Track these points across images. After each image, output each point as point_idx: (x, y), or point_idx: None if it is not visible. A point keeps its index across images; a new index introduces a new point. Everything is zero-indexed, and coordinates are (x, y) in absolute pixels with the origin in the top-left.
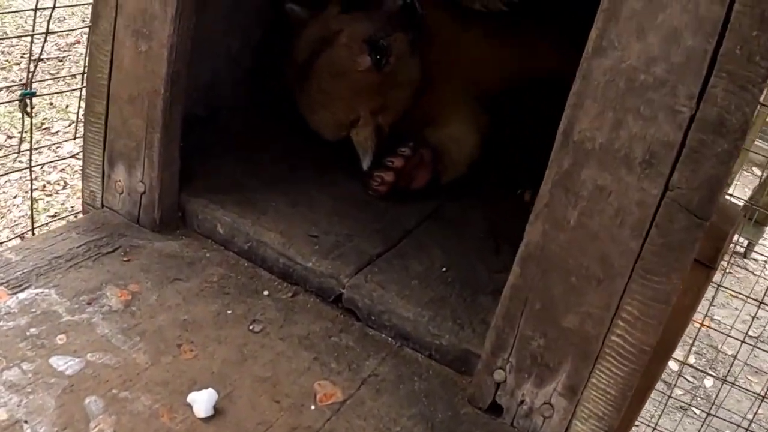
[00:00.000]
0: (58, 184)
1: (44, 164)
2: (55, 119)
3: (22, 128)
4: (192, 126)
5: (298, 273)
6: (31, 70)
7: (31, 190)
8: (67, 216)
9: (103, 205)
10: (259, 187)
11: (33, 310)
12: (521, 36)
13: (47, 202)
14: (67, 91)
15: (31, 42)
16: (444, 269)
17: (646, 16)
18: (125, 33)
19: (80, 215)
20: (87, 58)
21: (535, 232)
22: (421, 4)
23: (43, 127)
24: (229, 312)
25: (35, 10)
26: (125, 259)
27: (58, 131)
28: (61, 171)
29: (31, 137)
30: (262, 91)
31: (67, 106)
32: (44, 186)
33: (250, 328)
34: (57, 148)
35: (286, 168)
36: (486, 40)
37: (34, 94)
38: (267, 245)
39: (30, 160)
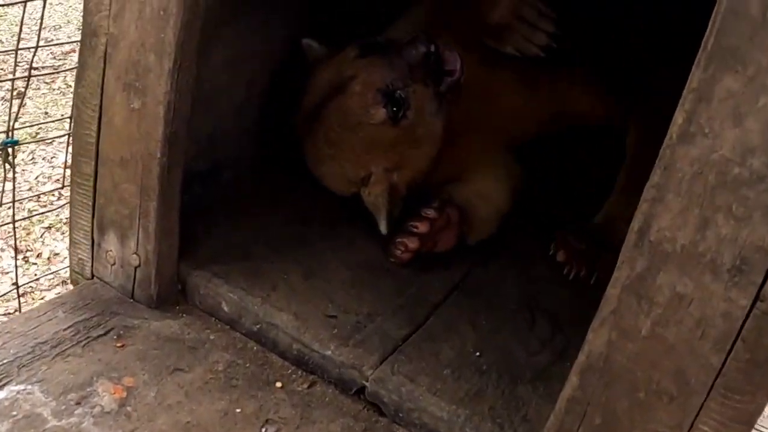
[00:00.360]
0: (53, 195)
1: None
2: (50, 129)
3: (4, 178)
4: (191, 183)
5: (314, 361)
6: (14, 110)
7: (16, 251)
8: (60, 227)
9: (93, 275)
10: (268, 255)
11: (14, 413)
12: (555, 80)
13: (42, 213)
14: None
15: (12, 86)
16: (477, 353)
17: (745, 99)
18: (115, 87)
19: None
20: (73, 111)
21: (599, 341)
22: (463, 66)
23: (38, 136)
24: (237, 410)
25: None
26: (118, 344)
27: (53, 141)
28: (56, 182)
29: (14, 186)
30: (270, 143)
31: (63, 115)
32: (39, 197)
33: (263, 431)
34: (52, 158)
35: (298, 230)
36: (516, 85)
37: (16, 143)
38: (279, 328)
39: (13, 214)
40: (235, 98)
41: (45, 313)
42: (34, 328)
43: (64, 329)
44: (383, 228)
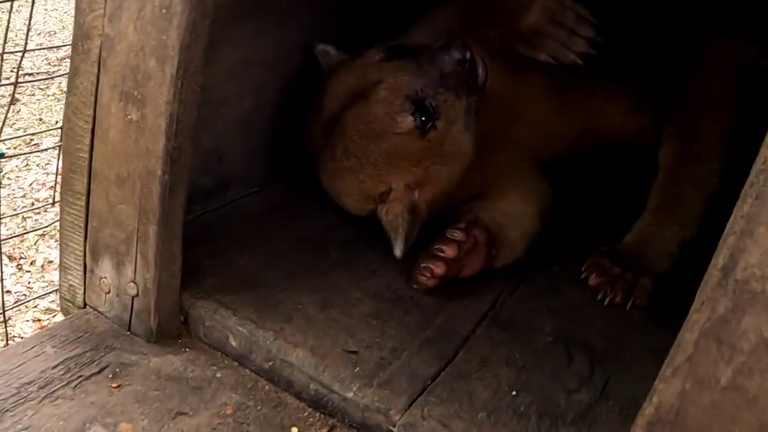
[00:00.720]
0: (48, 201)
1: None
2: (44, 135)
3: None
4: (194, 202)
5: (334, 404)
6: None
7: (1, 275)
8: (55, 234)
9: (85, 304)
10: (280, 282)
11: None
12: (585, 91)
13: (35, 220)
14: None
15: None
16: (514, 393)
17: None
18: (111, 96)
19: None
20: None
21: (671, 392)
22: (487, 70)
23: (33, 143)
24: None
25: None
26: (114, 385)
27: (48, 149)
28: (50, 188)
29: None
30: (282, 158)
31: (56, 122)
32: (33, 203)
33: None
34: (46, 165)
35: (313, 254)
36: (544, 96)
37: (2, 156)
38: (294, 366)
39: None
40: (243, 108)
41: (32, 348)
42: (20, 365)
43: (53, 367)
44: (398, 251)
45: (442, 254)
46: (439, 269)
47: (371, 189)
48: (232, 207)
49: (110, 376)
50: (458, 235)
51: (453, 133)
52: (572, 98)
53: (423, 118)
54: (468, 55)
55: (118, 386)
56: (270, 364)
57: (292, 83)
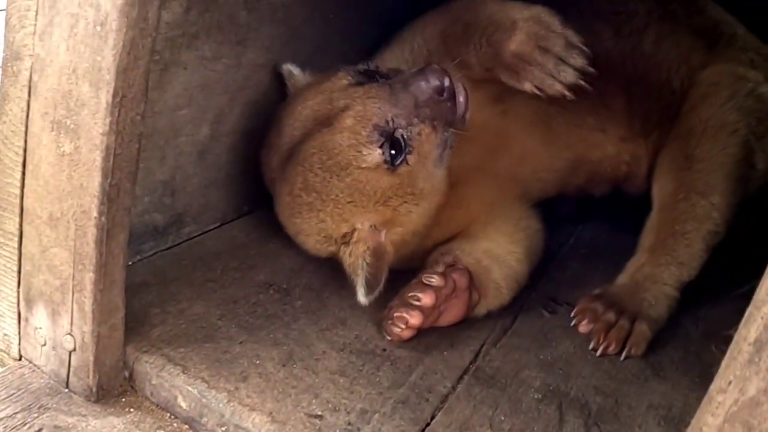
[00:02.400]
0: None
1: None
2: None
3: None
4: (145, 240)
5: None
6: None
7: None
8: None
9: (21, 356)
10: (237, 334)
11: None
12: (577, 121)
13: None
14: None
15: None
16: None
17: None
18: (42, 125)
19: None
20: None
21: None
22: (467, 99)
23: None
24: None
25: None
26: None
27: None
28: None
29: None
30: (243, 192)
31: None
32: None
33: None
34: None
35: (275, 301)
36: (533, 127)
37: None
38: None
39: None
40: (199, 137)
41: None
42: None
43: None
44: (362, 298)
45: (417, 302)
46: (414, 319)
47: (332, 229)
48: (188, 246)
49: None
50: (436, 280)
51: (426, 169)
52: (561, 128)
53: (393, 152)
54: (447, 82)
55: None
56: (223, 429)
57: (254, 109)
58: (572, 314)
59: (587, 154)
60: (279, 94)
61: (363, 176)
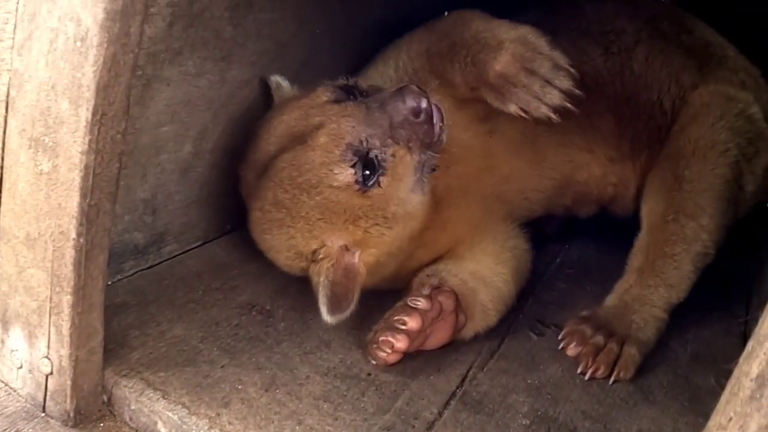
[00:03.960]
0: None
1: None
2: None
3: None
4: (125, 260)
5: None
6: None
7: None
8: None
9: None
10: (219, 358)
11: None
12: (564, 141)
13: None
14: None
15: None
16: None
17: None
18: (20, 142)
19: None
20: None
21: None
22: (443, 121)
23: None
24: None
25: None
26: None
27: None
28: None
29: None
30: (226, 210)
31: None
32: None
33: None
34: None
35: (258, 322)
36: (520, 147)
37: None
38: None
39: None
40: (182, 154)
41: None
42: None
43: None
44: (324, 315)
45: (403, 326)
46: (400, 343)
47: (302, 246)
48: (169, 265)
49: None
50: (422, 303)
51: (400, 192)
52: (548, 148)
53: (366, 172)
54: (424, 104)
55: None
56: None
57: (238, 125)
58: (560, 337)
59: (574, 174)
60: (264, 110)
61: (333, 195)
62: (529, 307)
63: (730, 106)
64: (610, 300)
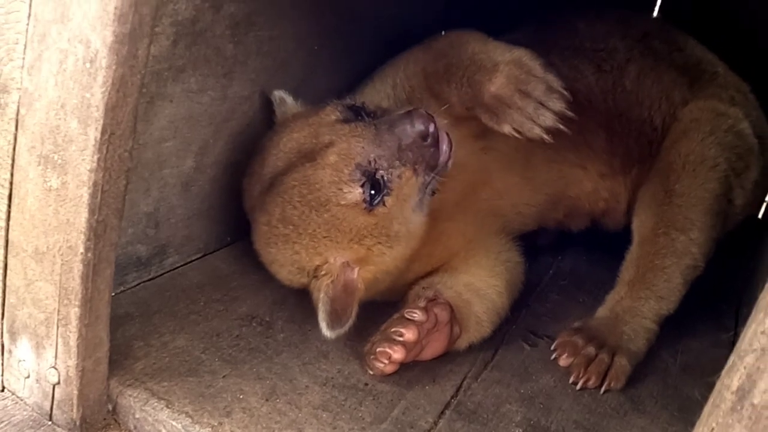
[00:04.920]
0: None
1: None
2: None
3: None
4: (128, 272)
5: None
6: None
7: None
8: None
9: (3, 388)
10: (221, 368)
11: None
12: (557, 158)
13: None
14: None
15: None
16: None
17: None
18: (29, 159)
19: None
20: None
21: None
22: (451, 147)
23: None
24: None
25: None
26: None
27: None
28: None
29: None
30: (227, 223)
31: None
32: None
33: None
34: None
35: (258, 333)
36: (514, 163)
37: None
38: None
39: None
40: (184, 168)
41: None
42: None
43: None
44: (324, 330)
45: (400, 338)
46: (397, 354)
47: (306, 261)
48: (171, 277)
49: None
50: (418, 315)
51: (404, 212)
52: (541, 164)
53: (372, 192)
54: (431, 128)
55: None
56: None
57: (239, 140)
58: (552, 347)
59: (566, 190)
60: (264, 125)
61: (341, 213)
62: (523, 319)
63: (720, 121)
64: (602, 311)
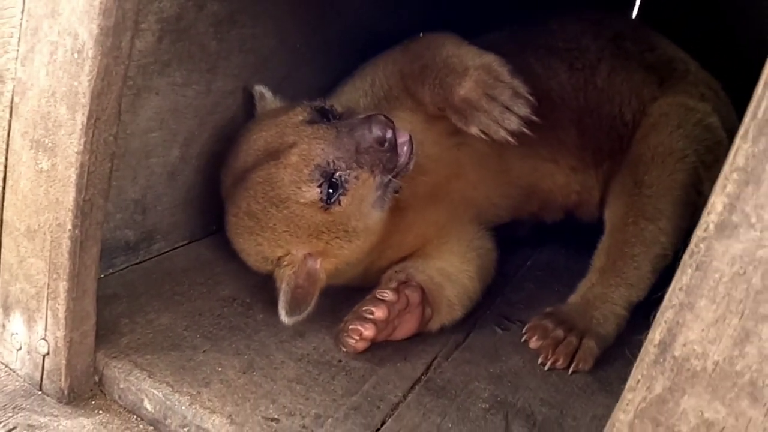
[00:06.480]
0: None
1: None
2: None
3: None
4: (117, 255)
5: None
6: None
7: None
8: None
9: None
10: (201, 343)
11: None
12: (530, 153)
13: None
14: None
15: None
16: None
17: None
18: (22, 143)
19: None
20: None
21: None
22: (412, 150)
23: None
24: None
25: None
26: None
27: None
28: None
29: None
30: (211, 212)
31: None
32: None
33: None
34: None
35: (239, 314)
36: (487, 158)
37: None
38: None
39: None
40: (170, 158)
41: None
42: None
43: None
44: (283, 316)
45: (371, 316)
46: (368, 331)
47: (268, 252)
48: (157, 261)
49: None
50: (388, 295)
51: (361, 210)
52: (514, 159)
53: (330, 191)
54: (389, 134)
55: None
56: (185, 430)
57: (223, 133)
58: (523, 330)
59: (539, 183)
60: (247, 118)
61: (299, 210)
62: (497, 305)
63: (689, 115)
64: (574, 298)
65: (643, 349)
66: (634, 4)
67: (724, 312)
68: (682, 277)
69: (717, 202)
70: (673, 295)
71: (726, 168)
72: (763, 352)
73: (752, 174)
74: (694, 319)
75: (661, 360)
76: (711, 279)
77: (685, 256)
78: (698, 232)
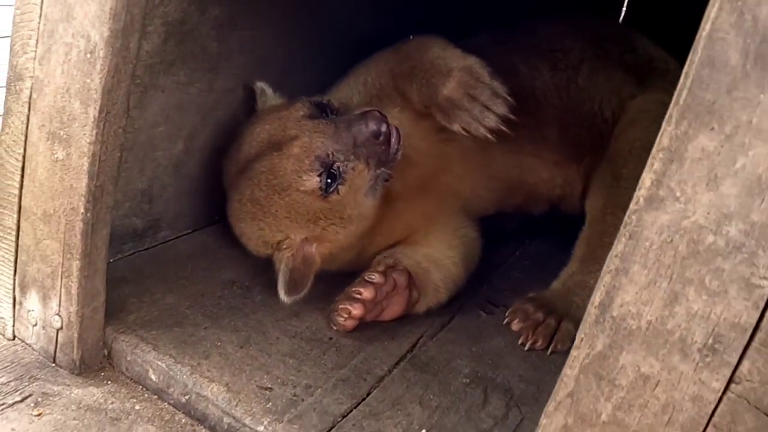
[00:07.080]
0: None
1: None
2: None
3: None
4: (126, 241)
5: None
6: None
7: None
8: None
9: (14, 336)
10: (202, 321)
11: None
12: (514, 148)
13: None
14: None
15: None
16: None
17: (721, 159)
18: (39, 135)
19: None
20: None
21: (554, 426)
22: (400, 143)
23: None
24: None
25: None
26: (35, 413)
27: None
28: None
29: None
30: (214, 202)
31: None
32: None
33: None
34: None
35: (238, 295)
36: (472, 153)
37: None
38: (209, 400)
39: None
40: (175, 151)
41: None
42: None
43: None
44: (282, 296)
45: (359, 296)
46: (356, 310)
47: (269, 236)
48: (163, 248)
49: (33, 404)
50: (376, 277)
51: (356, 199)
52: (499, 154)
53: (329, 181)
54: (383, 128)
55: (39, 414)
56: (186, 397)
57: (224, 128)
58: (506, 314)
59: (523, 177)
60: (248, 114)
61: (300, 198)
62: (483, 292)
63: (666, 111)
64: (555, 284)
65: (586, 311)
66: (622, 5)
67: (654, 276)
68: (618, 246)
69: (646, 178)
70: (610, 261)
71: (654, 149)
72: (691, 312)
73: (675, 153)
74: (629, 283)
75: (601, 320)
76: (642, 247)
77: (621, 228)
78: (631, 207)
